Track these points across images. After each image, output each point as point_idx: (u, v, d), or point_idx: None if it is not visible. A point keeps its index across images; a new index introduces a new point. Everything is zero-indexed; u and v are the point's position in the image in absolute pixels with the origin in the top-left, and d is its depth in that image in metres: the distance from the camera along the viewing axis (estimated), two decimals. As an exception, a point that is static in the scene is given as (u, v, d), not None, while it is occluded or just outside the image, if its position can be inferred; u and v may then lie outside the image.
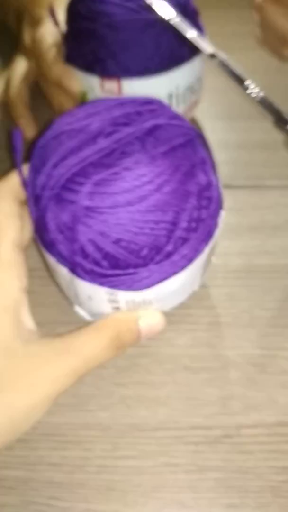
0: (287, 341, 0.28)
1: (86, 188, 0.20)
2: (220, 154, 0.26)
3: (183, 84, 0.35)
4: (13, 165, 0.24)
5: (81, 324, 0.29)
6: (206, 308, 0.30)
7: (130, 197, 0.20)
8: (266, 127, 0.43)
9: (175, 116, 0.23)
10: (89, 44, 0.33)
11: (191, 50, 0.34)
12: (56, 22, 0.36)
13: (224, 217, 0.24)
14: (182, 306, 0.29)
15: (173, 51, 0.33)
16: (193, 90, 0.37)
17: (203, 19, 0.35)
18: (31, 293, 0.31)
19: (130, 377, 0.27)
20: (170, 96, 0.36)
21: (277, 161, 0.38)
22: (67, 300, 0.30)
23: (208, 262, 0.26)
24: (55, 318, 0.30)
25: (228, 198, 0.26)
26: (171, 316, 0.29)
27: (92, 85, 0.35)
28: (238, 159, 0.39)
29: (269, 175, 0.38)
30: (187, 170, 0.21)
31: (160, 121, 0.22)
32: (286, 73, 0.48)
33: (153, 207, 0.20)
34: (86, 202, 0.20)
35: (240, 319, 0.29)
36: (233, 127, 0.42)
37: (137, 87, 0.34)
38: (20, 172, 0.24)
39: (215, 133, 0.26)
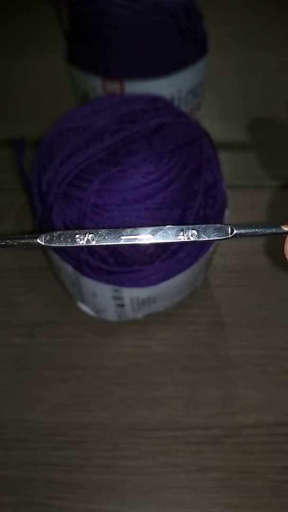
0: (287, 341, 0.28)
1: (94, 185, 0.20)
2: (220, 154, 0.26)
3: (186, 88, 0.36)
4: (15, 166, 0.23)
5: (82, 324, 0.29)
6: (206, 308, 0.30)
7: (138, 195, 0.20)
8: (266, 127, 0.43)
9: (182, 115, 0.23)
10: (92, 44, 0.33)
11: (195, 54, 0.34)
12: (60, 17, 0.36)
13: (227, 215, 0.24)
14: (182, 305, 0.29)
15: (177, 54, 0.33)
16: (196, 93, 0.37)
17: (204, 19, 0.35)
18: (31, 293, 0.31)
19: (130, 377, 0.27)
20: (172, 99, 0.35)
21: (277, 161, 0.39)
22: (68, 300, 0.30)
23: (210, 260, 0.26)
24: (55, 318, 0.30)
25: (228, 198, 0.26)
26: (171, 316, 0.29)
27: (94, 86, 0.35)
28: (238, 159, 0.39)
29: (269, 175, 0.38)
30: (194, 169, 0.21)
31: (167, 119, 0.22)
32: (286, 73, 0.49)
33: (160, 205, 0.20)
34: (94, 199, 0.20)
35: (240, 319, 0.29)
36: (233, 127, 0.42)
37: (139, 89, 0.34)
38: (22, 173, 0.23)
39: (215, 133, 0.26)
